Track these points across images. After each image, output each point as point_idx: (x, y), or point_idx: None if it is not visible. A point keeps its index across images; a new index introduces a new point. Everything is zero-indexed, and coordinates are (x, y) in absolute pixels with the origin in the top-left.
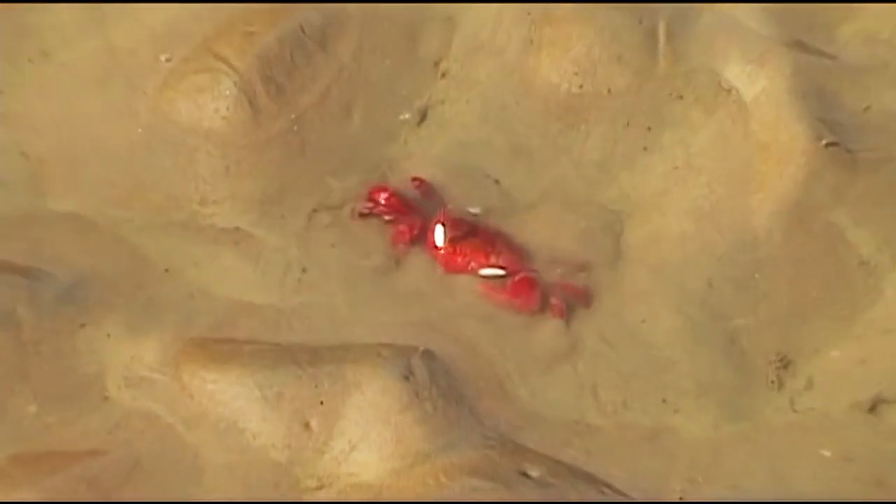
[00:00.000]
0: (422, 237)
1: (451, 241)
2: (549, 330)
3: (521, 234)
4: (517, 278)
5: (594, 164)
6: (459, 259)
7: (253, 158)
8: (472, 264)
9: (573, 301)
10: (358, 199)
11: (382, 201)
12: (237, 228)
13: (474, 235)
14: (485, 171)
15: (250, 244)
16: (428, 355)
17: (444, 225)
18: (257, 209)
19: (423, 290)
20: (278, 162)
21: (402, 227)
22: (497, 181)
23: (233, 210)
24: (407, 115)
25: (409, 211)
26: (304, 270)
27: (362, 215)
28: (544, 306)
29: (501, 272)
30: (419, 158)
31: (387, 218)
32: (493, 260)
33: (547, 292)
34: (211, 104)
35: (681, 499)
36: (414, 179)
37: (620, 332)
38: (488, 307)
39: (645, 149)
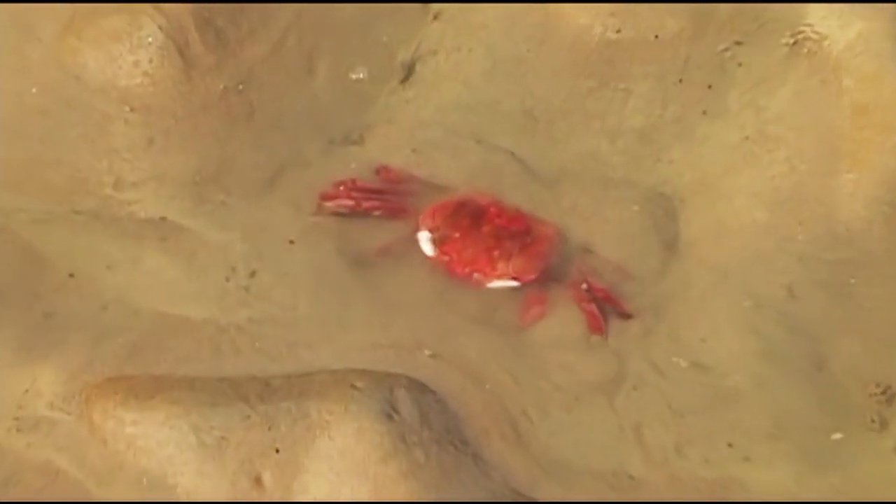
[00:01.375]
0: (412, 240)
1: (443, 242)
2: (578, 351)
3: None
4: (528, 295)
5: (636, 134)
6: (458, 269)
7: (185, 127)
8: (476, 275)
9: (611, 310)
10: (323, 181)
11: (352, 196)
12: (164, 219)
13: (477, 229)
14: (490, 141)
15: (182, 240)
16: (418, 386)
17: (431, 231)
18: (191, 193)
19: (412, 299)
20: (218, 131)
21: (386, 244)
22: (512, 153)
23: (158, 195)
24: (361, 74)
25: (390, 203)
26: (252, 274)
27: (335, 214)
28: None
29: (513, 283)
30: (403, 126)
31: (377, 213)
32: (500, 268)
33: (578, 301)
34: (129, 56)
35: None
36: (380, 170)
37: (673, 354)
38: (499, 319)
39: (704, 113)
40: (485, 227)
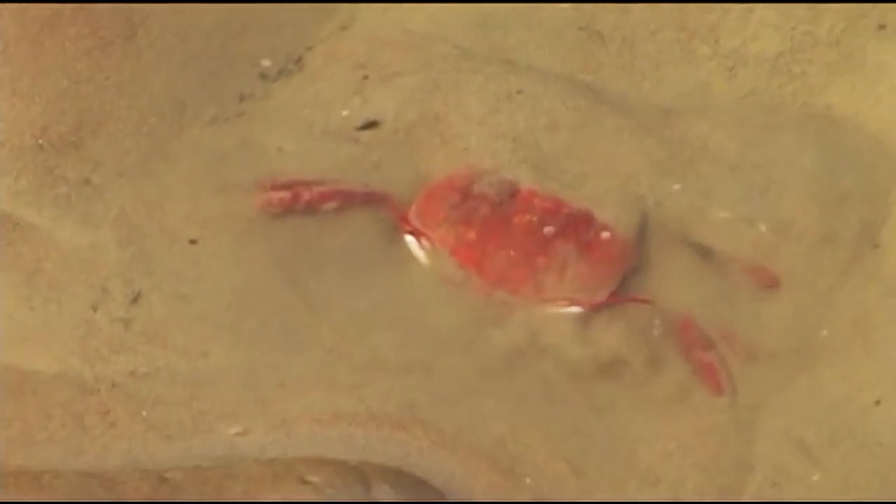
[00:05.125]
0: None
1: (451, 246)
2: (676, 420)
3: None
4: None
5: (769, 64)
6: (478, 290)
7: (20, 56)
8: (512, 299)
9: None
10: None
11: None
12: None
13: (505, 222)
14: (526, 66)
15: (18, 243)
16: (411, 482)
17: (414, 232)
18: (33, 167)
19: (398, 336)
20: (78, 64)
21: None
22: (565, 83)
23: None
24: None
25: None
26: (135, 299)
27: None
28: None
29: (573, 309)
30: (377, 41)
31: (330, 205)
32: (550, 285)
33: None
34: None
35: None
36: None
37: (834, 426)
38: (547, 369)
39: (882, 28)
40: (517, 217)
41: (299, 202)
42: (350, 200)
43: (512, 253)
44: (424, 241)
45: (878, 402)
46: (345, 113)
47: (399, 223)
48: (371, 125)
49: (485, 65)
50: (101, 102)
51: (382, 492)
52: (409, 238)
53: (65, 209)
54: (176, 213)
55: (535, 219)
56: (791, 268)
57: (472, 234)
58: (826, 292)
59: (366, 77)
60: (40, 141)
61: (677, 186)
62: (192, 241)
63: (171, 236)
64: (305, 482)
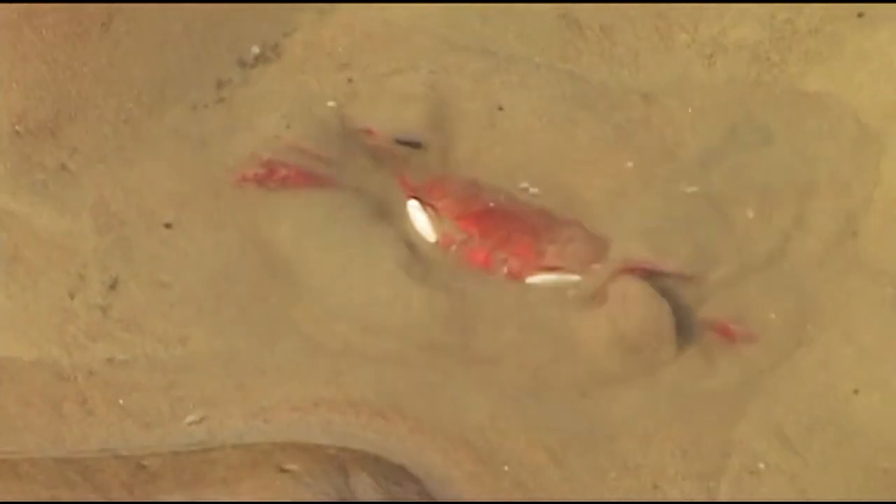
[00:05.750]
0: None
1: (456, 214)
2: (656, 405)
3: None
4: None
5: (748, 52)
6: (480, 256)
7: None
8: (510, 264)
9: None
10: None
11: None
12: None
13: (511, 202)
14: (504, 54)
15: None
16: (389, 469)
17: (419, 198)
18: (10, 153)
19: (378, 320)
20: (56, 49)
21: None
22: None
23: None
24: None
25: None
26: (113, 285)
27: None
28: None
29: (571, 277)
30: (356, 30)
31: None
32: (551, 254)
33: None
34: None
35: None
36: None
37: (810, 411)
38: (541, 347)
39: (860, 16)
40: (524, 204)
41: (274, 178)
42: (329, 188)
43: (518, 224)
44: (429, 209)
45: (857, 391)
46: (331, 104)
47: (404, 189)
48: (413, 145)
49: (468, 60)
50: (80, 89)
51: (360, 480)
52: (413, 202)
53: (42, 196)
54: (154, 199)
55: (541, 207)
56: (772, 254)
57: (479, 206)
58: (806, 279)
59: (350, 80)
60: (17, 127)
61: (662, 191)
62: (168, 226)
63: (149, 222)
64: (283, 470)
